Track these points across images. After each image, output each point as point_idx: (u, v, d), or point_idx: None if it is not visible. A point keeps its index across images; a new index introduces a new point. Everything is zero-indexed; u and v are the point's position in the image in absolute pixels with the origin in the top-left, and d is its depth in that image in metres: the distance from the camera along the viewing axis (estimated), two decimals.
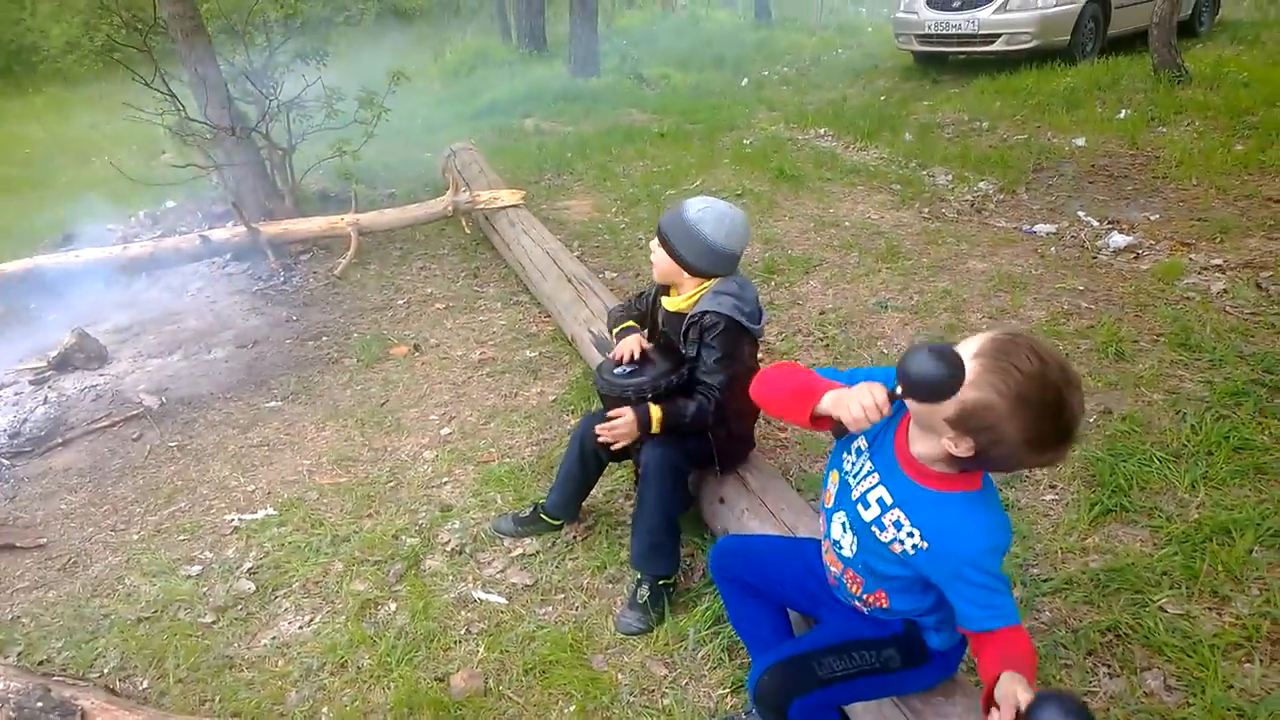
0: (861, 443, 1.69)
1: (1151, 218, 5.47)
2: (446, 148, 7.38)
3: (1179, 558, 2.54)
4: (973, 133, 7.99)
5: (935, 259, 4.98)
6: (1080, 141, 7.22)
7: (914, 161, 7.15)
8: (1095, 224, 5.47)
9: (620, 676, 2.33)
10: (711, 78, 12.31)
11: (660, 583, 2.53)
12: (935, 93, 9.89)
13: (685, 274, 2.48)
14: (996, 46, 9.94)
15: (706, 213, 2.42)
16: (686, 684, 2.30)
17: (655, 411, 2.45)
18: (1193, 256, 4.77)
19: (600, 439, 2.55)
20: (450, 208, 5.54)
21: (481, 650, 2.44)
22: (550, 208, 6.47)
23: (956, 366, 1.34)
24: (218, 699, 2.37)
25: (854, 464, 1.70)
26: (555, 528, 2.91)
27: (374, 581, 2.75)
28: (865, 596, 1.74)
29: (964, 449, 1.44)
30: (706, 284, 2.48)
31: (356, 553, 2.88)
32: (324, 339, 4.63)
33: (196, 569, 2.89)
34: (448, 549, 2.88)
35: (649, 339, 2.71)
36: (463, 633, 2.52)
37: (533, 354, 4.27)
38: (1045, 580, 2.52)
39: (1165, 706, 2.12)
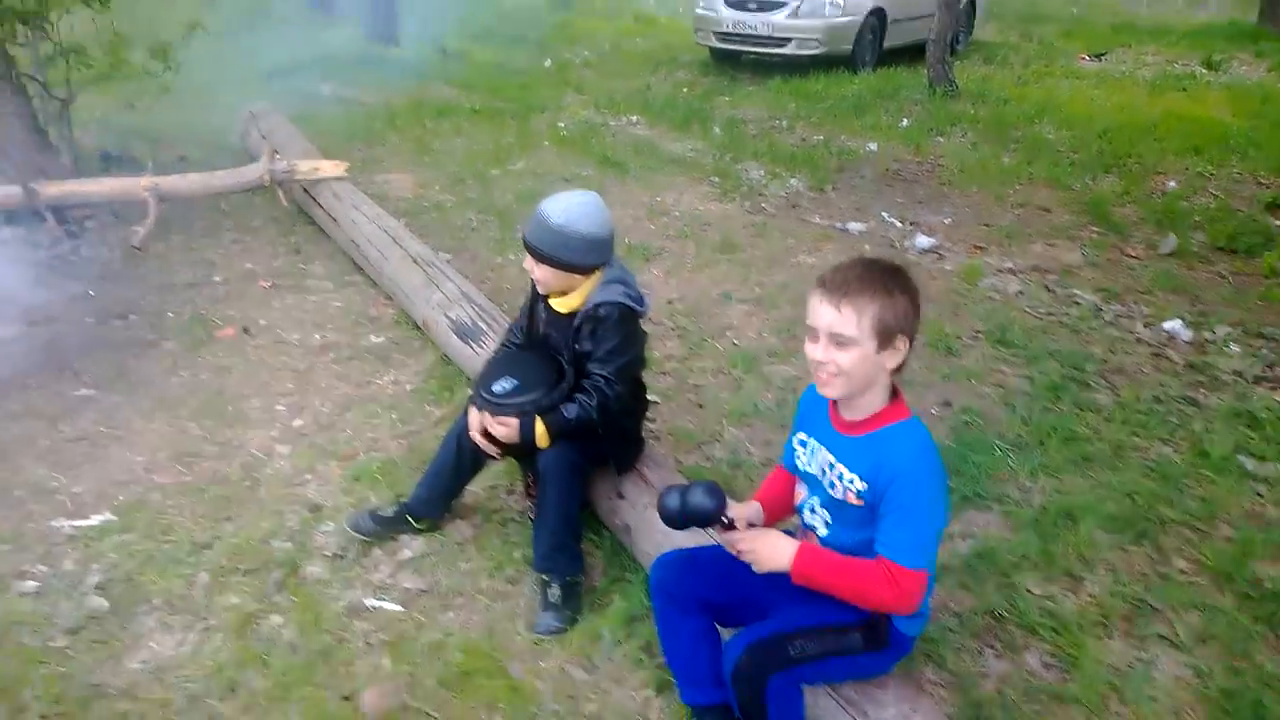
0: (802, 435, 1.93)
1: (945, 221, 6.03)
2: (244, 110, 6.71)
3: (1035, 541, 2.80)
4: (775, 130, 8.40)
5: (767, 252, 5.20)
6: (873, 146, 7.79)
7: (727, 155, 7.40)
8: (899, 225, 5.95)
9: (540, 684, 2.26)
10: (514, 56, 12.04)
11: (569, 581, 2.48)
12: (734, 89, 10.29)
13: (576, 276, 2.44)
14: (788, 50, 10.50)
15: (571, 211, 2.39)
16: (609, 688, 2.27)
17: (540, 428, 2.38)
18: (987, 259, 5.30)
19: (478, 444, 2.47)
20: (266, 177, 5.06)
21: (387, 663, 2.29)
22: (368, 181, 6.06)
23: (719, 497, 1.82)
24: None
25: (805, 453, 1.91)
26: (419, 530, 2.72)
27: (250, 593, 2.49)
28: None
29: (901, 348, 1.72)
30: (594, 277, 2.46)
31: (223, 561, 2.59)
32: (132, 318, 4.07)
33: (33, 585, 2.49)
34: (326, 554, 2.66)
35: (528, 345, 2.66)
36: (362, 645, 2.35)
37: (379, 339, 4.01)
38: None
39: (1048, 683, 2.33)
